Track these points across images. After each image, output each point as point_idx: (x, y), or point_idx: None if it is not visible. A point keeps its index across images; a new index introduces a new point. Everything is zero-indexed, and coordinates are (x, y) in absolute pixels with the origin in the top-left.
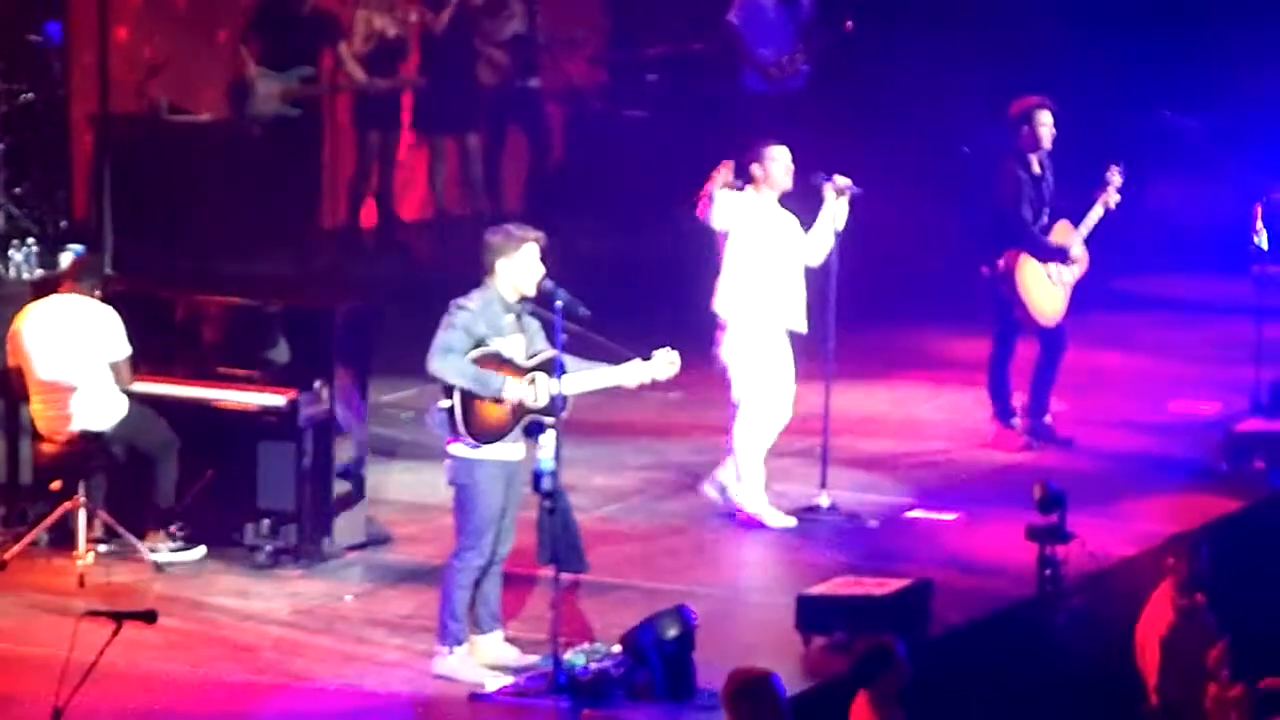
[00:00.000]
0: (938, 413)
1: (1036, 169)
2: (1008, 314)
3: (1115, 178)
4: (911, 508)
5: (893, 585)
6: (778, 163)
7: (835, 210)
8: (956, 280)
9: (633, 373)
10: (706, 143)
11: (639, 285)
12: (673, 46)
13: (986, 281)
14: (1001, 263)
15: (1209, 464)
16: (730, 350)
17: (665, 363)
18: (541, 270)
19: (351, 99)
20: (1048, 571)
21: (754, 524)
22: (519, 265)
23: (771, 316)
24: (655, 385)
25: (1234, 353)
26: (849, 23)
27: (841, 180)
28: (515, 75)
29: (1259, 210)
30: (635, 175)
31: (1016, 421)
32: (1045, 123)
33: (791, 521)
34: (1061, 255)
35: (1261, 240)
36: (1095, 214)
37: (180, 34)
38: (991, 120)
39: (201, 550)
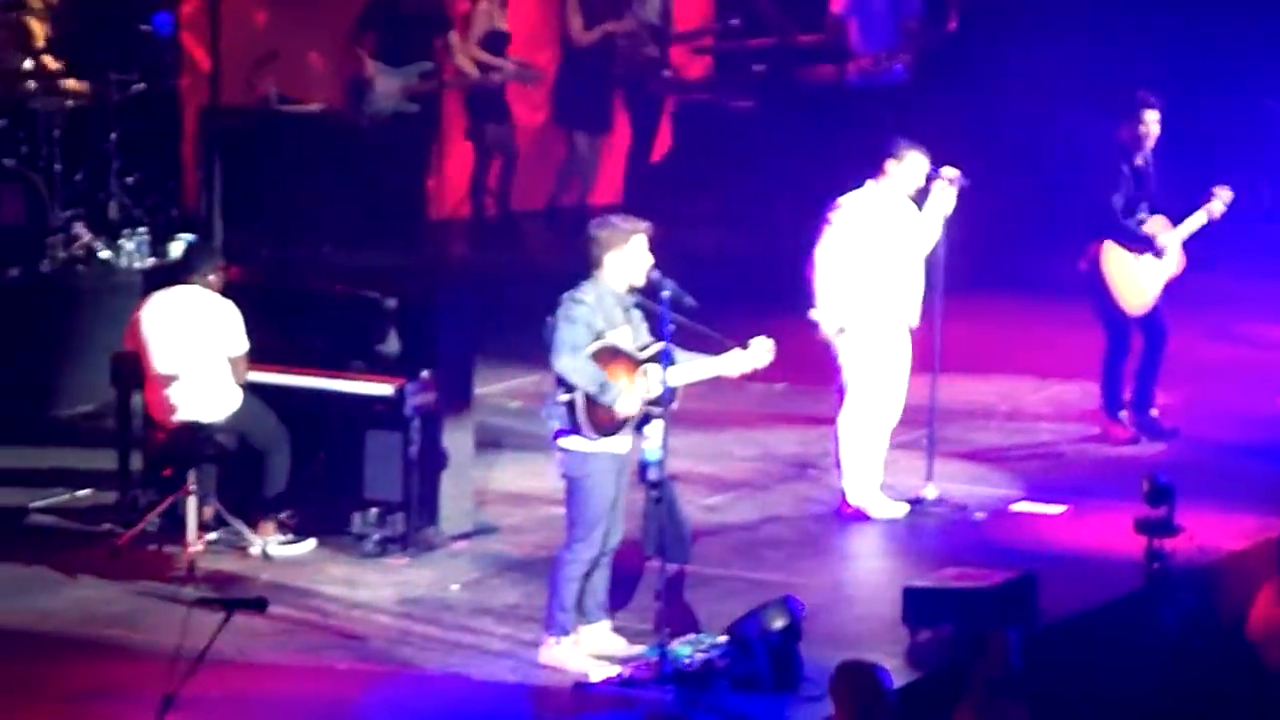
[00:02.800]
0: (1045, 405)
1: (1140, 164)
2: (1106, 305)
3: (1224, 193)
4: (1018, 500)
5: (999, 577)
6: (912, 165)
7: (943, 201)
8: (1064, 273)
9: (733, 362)
10: (809, 134)
11: (741, 275)
12: (780, 37)
13: (1083, 275)
14: (1091, 253)
15: None
16: (849, 343)
17: (763, 351)
18: (650, 261)
19: (468, 91)
20: (1155, 564)
21: (859, 516)
22: (628, 257)
23: (892, 312)
24: (758, 376)
25: None
26: (953, 22)
27: (950, 172)
28: (653, 68)
29: None
30: (740, 166)
31: (1124, 415)
32: (1150, 120)
33: (904, 509)
34: (1149, 245)
35: None
36: (1197, 220)
37: (291, 24)
38: (1099, 114)
39: (312, 543)
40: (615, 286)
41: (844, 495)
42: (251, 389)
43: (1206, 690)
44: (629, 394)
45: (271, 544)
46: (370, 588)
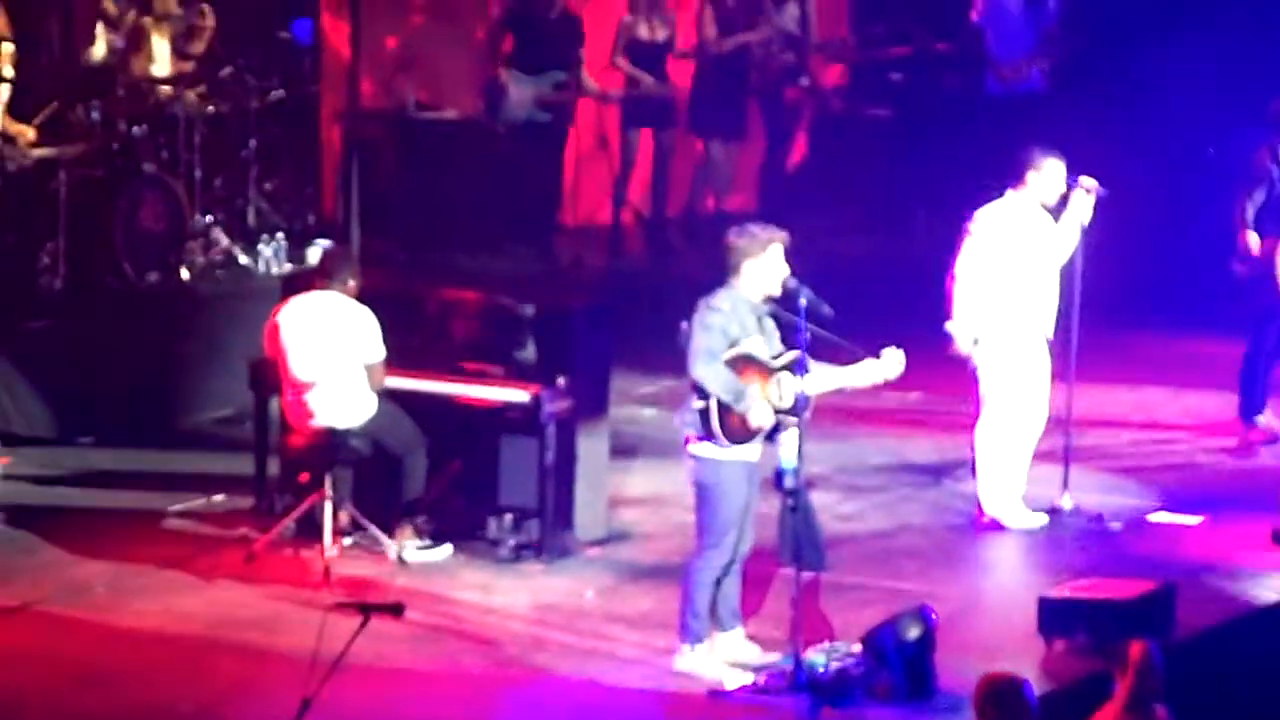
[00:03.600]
0: (1181, 416)
1: None
2: (1262, 304)
3: None
4: (1155, 510)
5: (1136, 588)
6: (1052, 176)
7: (1081, 210)
8: (1199, 283)
9: (867, 372)
10: (947, 143)
11: (878, 284)
12: (916, 45)
13: (1241, 277)
14: (1267, 248)
15: None
16: (986, 354)
17: (895, 361)
18: (786, 270)
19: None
20: None
21: (995, 526)
22: (765, 266)
23: (1031, 324)
24: (891, 384)
25: None
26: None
27: (1088, 181)
28: (788, 76)
29: None
30: (877, 174)
31: (1261, 419)
32: None
33: (1042, 519)
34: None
35: None
36: None
37: (428, 31)
38: (1236, 123)
39: (448, 549)
40: (751, 295)
41: (980, 505)
42: (388, 395)
43: None
44: (762, 403)
45: (408, 549)
46: (505, 594)
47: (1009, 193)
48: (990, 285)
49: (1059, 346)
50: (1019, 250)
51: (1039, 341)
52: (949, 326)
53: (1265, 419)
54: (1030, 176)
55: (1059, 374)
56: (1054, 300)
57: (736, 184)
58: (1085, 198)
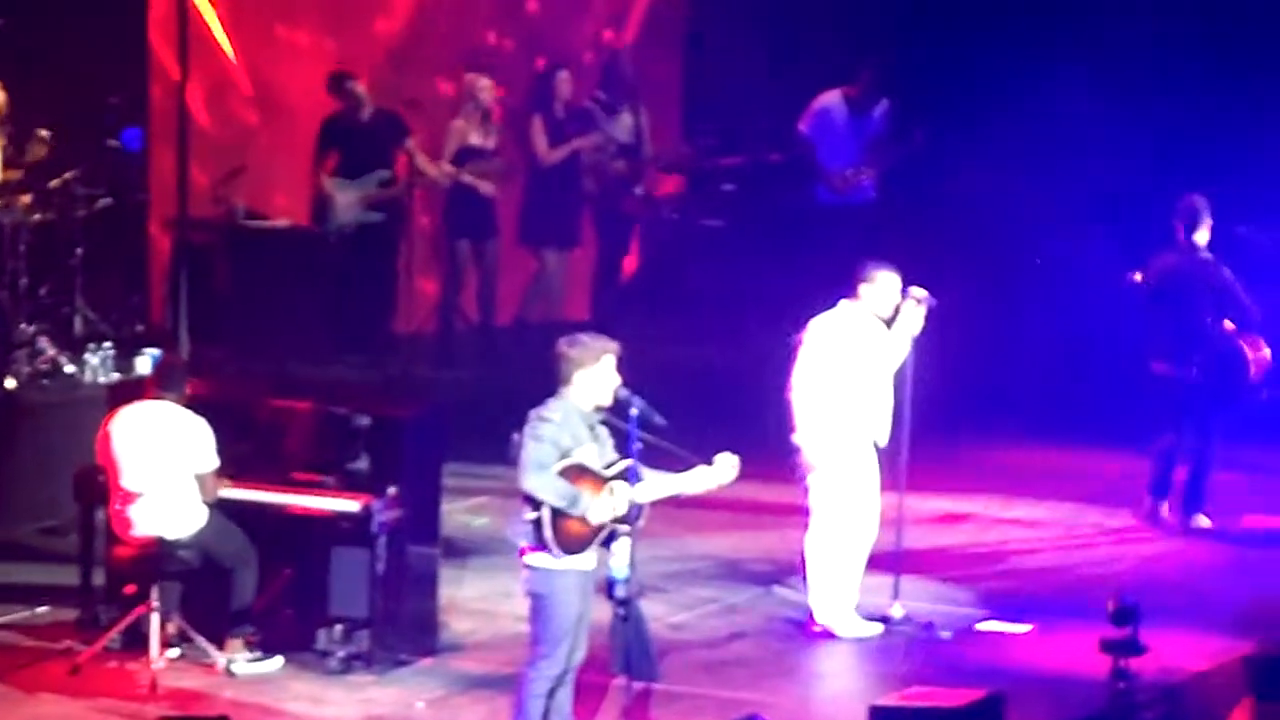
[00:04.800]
0: (1011, 525)
1: None
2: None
3: None
4: (984, 619)
5: (965, 697)
6: (886, 288)
7: (912, 320)
8: (1029, 390)
9: (699, 479)
10: (779, 252)
11: (712, 393)
12: (748, 156)
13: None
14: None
15: None
16: (818, 463)
17: (728, 467)
18: (618, 381)
19: (443, 207)
20: (1121, 685)
21: (825, 634)
22: (597, 376)
23: (863, 432)
24: (724, 490)
25: None
26: (918, 135)
27: (918, 292)
28: (623, 185)
29: None
30: (711, 283)
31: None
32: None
33: (874, 628)
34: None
35: None
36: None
37: (258, 140)
38: (1051, 234)
39: (279, 660)
40: (582, 404)
41: (811, 613)
42: (218, 505)
43: None
44: (600, 503)
45: (238, 661)
46: (335, 705)
47: (843, 303)
48: (823, 394)
49: (889, 454)
50: (851, 360)
51: (870, 450)
52: (795, 439)
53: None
54: (863, 289)
55: (889, 482)
56: (887, 408)
57: (569, 293)
58: (916, 308)
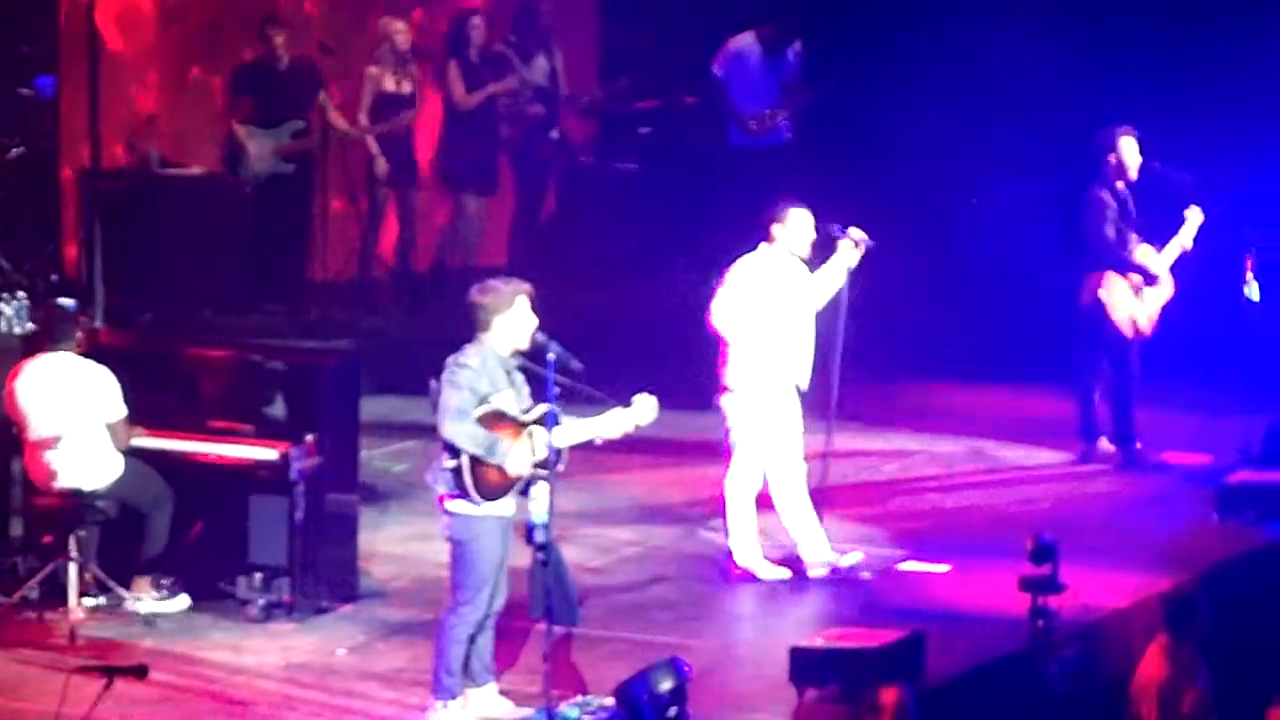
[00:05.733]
0: (931, 464)
1: (1122, 193)
2: (1110, 336)
3: (1196, 215)
4: (904, 559)
5: (886, 637)
6: (799, 226)
7: (847, 259)
8: (948, 330)
9: (618, 420)
10: (694, 195)
11: (628, 336)
12: (662, 99)
13: (1081, 309)
14: (1091, 283)
15: (1201, 515)
16: (736, 405)
17: (646, 408)
18: (534, 322)
19: (365, 153)
20: (1040, 623)
21: (746, 577)
22: (514, 320)
23: (782, 375)
24: (643, 432)
25: (1225, 403)
26: (832, 80)
27: (857, 233)
28: (539, 130)
29: (1249, 261)
30: (626, 227)
31: (1103, 442)
32: (1131, 149)
33: (785, 573)
34: (1144, 272)
35: (1252, 291)
36: (1179, 244)
37: (171, 87)
38: (988, 171)
39: (185, 600)
40: (500, 349)
41: (731, 556)
42: (135, 454)
43: None
44: (518, 453)
45: (145, 601)
46: (255, 653)
47: (761, 245)
48: (741, 335)
49: (818, 395)
50: (768, 300)
51: (790, 391)
52: (718, 382)
53: (1103, 444)
54: (775, 229)
55: (815, 425)
56: (808, 350)
57: (487, 239)
58: (853, 249)
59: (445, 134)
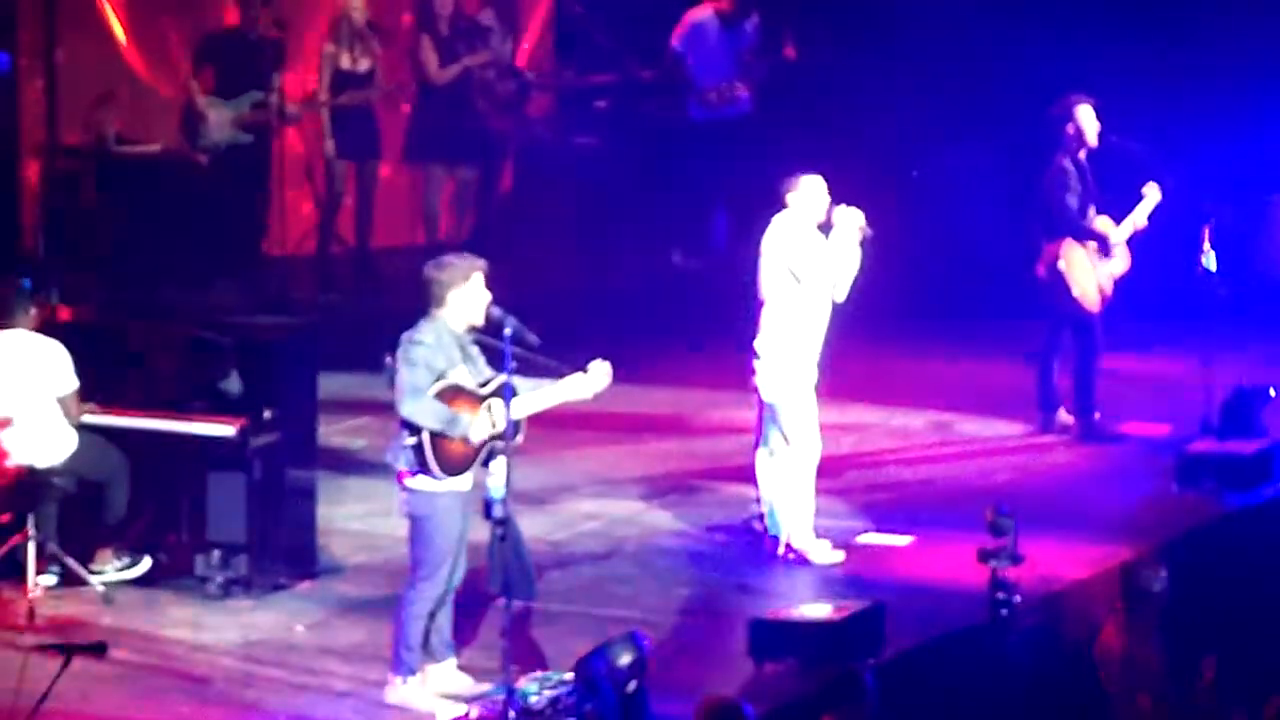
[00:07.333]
0: (889, 437)
1: (1082, 162)
2: (1069, 306)
3: (1153, 191)
4: (864, 532)
5: (846, 609)
6: (813, 193)
7: (845, 235)
8: (908, 301)
9: (573, 387)
10: (653, 169)
11: (586, 311)
12: (620, 73)
13: (1040, 280)
14: (1050, 253)
15: (1160, 485)
16: (779, 385)
17: (601, 374)
18: (488, 297)
19: (324, 127)
20: (999, 594)
21: (801, 560)
22: (469, 295)
23: (812, 345)
24: (601, 401)
25: (1184, 373)
26: (790, 50)
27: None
28: (512, 104)
29: (1206, 232)
30: (584, 202)
31: (1062, 413)
32: (1088, 117)
33: (840, 556)
34: (1103, 241)
35: (1209, 261)
36: (1137, 216)
37: (128, 63)
38: (937, 141)
39: (147, 561)
40: (455, 325)
41: (779, 538)
42: (91, 428)
43: (1051, 719)
44: (481, 418)
45: (109, 570)
46: (214, 630)
47: (781, 214)
48: (783, 304)
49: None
50: (790, 272)
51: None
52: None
53: (1062, 415)
54: (790, 198)
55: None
56: (823, 326)
57: (446, 214)
58: (850, 228)
59: (418, 107)
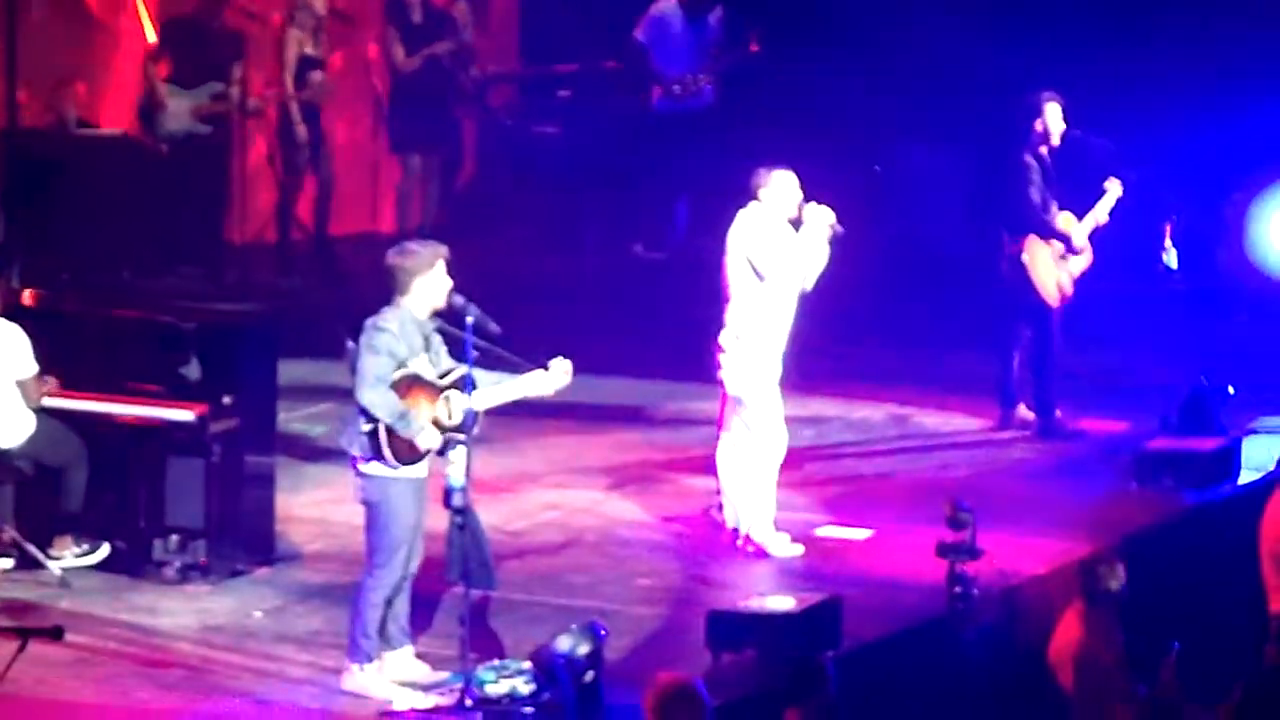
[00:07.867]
0: (848, 430)
1: (1045, 159)
2: (1031, 301)
3: (1115, 187)
4: (823, 525)
5: (803, 601)
6: (783, 188)
7: (815, 229)
8: (867, 294)
9: (534, 383)
10: (615, 159)
11: (548, 300)
12: (584, 63)
13: (1002, 274)
14: (1013, 248)
15: (1119, 482)
16: (744, 377)
17: (561, 371)
18: (450, 284)
19: (285, 114)
20: (957, 588)
21: (760, 554)
22: (433, 282)
23: (778, 338)
24: (560, 395)
25: (1143, 370)
26: (754, 44)
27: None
28: (481, 92)
29: (1168, 229)
30: (546, 191)
31: (1021, 409)
32: (1055, 115)
33: (799, 549)
34: (1065, 238)
35: (1170, 259)
36: (1098, 213)
37: (89, 47)
38: (899, 137)
39: (106, 548)
40: (418, 312)
41: (738, 531)
42: (51, 413)
43: (1009, 714)
44: (430, 428)
45: (67, 558)
46: (171, 615)
47: (750, 206)
48: (748, 296)
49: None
50: (757, 266)
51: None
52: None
53: (1022, 410)
54: (761, 193)
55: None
56: (788, 320)
57: (407, 202)
58: (820, 223)
59: (391, 98)
